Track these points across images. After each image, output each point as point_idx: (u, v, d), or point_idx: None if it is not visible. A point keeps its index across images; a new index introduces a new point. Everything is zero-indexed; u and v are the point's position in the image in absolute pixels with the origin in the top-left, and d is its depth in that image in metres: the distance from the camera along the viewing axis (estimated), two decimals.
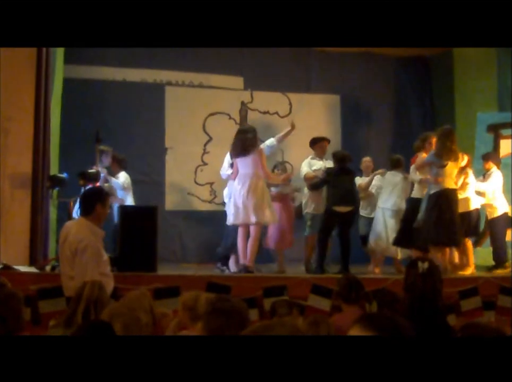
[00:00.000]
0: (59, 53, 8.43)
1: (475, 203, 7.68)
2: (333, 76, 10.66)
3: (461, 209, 7.28)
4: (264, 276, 6.83)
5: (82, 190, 6.66)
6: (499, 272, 7.48)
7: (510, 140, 9.08)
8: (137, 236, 6.39)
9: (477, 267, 7.73)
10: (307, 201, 7.93)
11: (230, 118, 10.26)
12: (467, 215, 7.53)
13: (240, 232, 7.04)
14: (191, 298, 3.94)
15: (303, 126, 10.42)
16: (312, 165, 8.04)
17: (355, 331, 2.01)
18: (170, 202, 9.78)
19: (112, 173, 7.99)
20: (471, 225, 7.60)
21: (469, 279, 6.84)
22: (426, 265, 3.57)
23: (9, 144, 6.85)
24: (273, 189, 7.88)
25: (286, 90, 10.55)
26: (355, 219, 7.87)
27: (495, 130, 9.30)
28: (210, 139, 10.05)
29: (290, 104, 10.57)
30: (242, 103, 10.37)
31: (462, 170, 7.52)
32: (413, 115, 11.08)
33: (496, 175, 7.87)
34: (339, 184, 7.50)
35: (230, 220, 7.12)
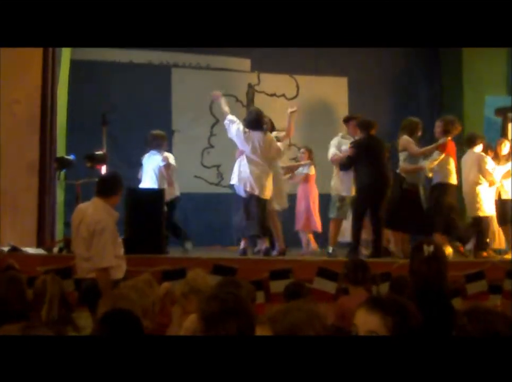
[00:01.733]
0: None
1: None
2: (340, 58, 10.57)
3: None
4: (270, 259, 6.86)
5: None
6: (506, 256, 7.49)
7: None
8: (145, 218, 6.43)
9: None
10: (336, 183, 7.63)
11: (237, 100, 10.23)
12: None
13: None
14: (196, 280, 3.95)
15: (310, 108, 10.46)
16: (342, 144, 7.64)
17: (361, 314, 2.03)
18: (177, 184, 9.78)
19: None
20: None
21: (476, 263, 6.85)
22: (431, 248, 3.57)
23: (16, 126, 6.87)
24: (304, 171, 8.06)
25: (293, 73, 10.50)
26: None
27: (504, 113, 9.24)
28: (217, 121, 10.03)
29: (297, 86, 10.54)
30: (249, 85, 10.34)
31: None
32: (421, 98, 11.01)
33: None
34: (370, 158, 7.12)
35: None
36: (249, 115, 7.39)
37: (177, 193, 7.85)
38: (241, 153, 7.22)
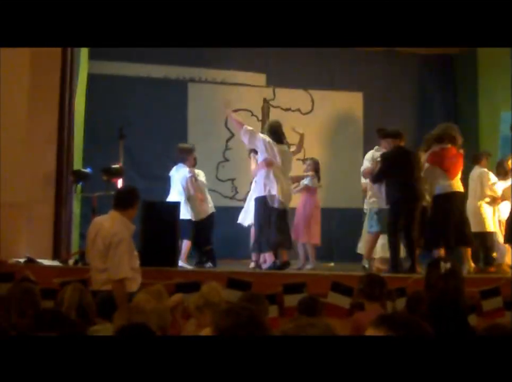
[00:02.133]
0: (83, 49, 8.51)
1: None
2: (356, 73, 10.62)
3: None
4: (285, 273, 6.86)
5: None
6: None
7: None
8: (160, 231, 6.46)
9: None
10: (371, 196, 7.47)
11: (252, 114, 10.28)
12: None
13: None
14: (211, 294, 3.95)
15: (325, 123, 10.48)
16: (375, 157, 7.52)
17: (369, 331, 2.03)
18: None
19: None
20: None
21: (491, 279, 6.79)
22: (448, 264, 3.56)
23: (34, 139, 6.94)
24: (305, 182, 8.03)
25: (308, 87, 10.53)
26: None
27: None
28: (232, 135, 10.08)
29: (313, 101, 10.56)
30: (265, 100, 10.38)
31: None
32: (436, 114, 10.97)
33: None
34: (399, 170, 7.01)
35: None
36: (275, 128, 7.46)
37: (210, 210, 7.90)
38: (265, 165, 7.23)
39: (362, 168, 7.69)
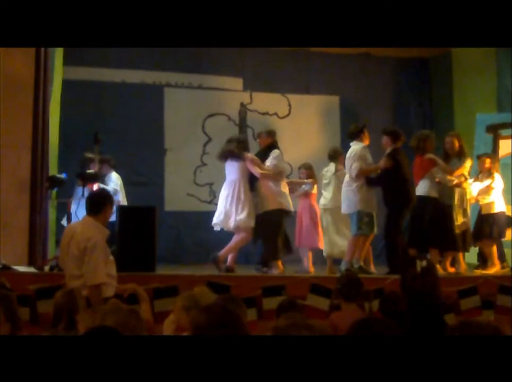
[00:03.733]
0: (58, 54, 8.44)
1: (499, 207, 7.78)
2: (332, 77, 10.66)
3: (484, 211, 7.69)
4: (263, 276, 6.85)
5: (80, 190, 6.72)
6: (498, 271, 7.50)
7: (509, 140, 9.08)
8: (136, 236, 6.40)
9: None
10: (361, 198, 7.21)
11: (229, 119, 10.27)
12: (491, 217, 7.69)
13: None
14: (202, 296, 3.91)
15: (302, 127, 10.49)
16: (366, 156, 7.38)
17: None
18: (170, 203, 9.77)
19: (104, 175, 8.03)
20: (497, 227, 7.68)
21: (468, 279, 6.84)
22: (424, 263, 3.56)
23: (8, 145, 6.85)
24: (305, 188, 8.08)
25: (285, 92, 10.55)
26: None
27: (495, 130, 9.30)
28: (210, 139, 10.05)
29: (290, 105, 10.58)
30: (242, 104, 10.38)
31: (489, 174, 7.76)
32: (412, 116, 11.07)
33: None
34: (402, 171, 7.10)
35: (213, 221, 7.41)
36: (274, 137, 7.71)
37: None
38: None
39: (354, 168, 7.19)
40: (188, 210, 9.83)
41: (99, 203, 5.04)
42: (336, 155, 8.04)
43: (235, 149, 7.37)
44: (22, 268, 6.36)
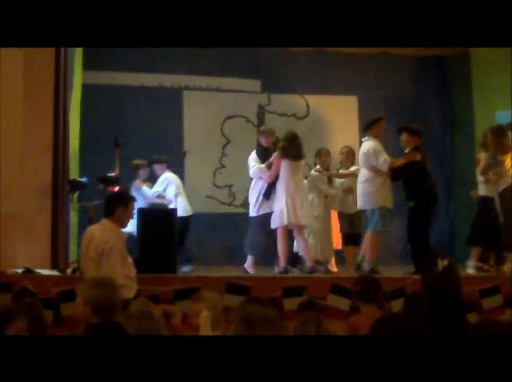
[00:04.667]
0: (77, 59, 8.53)
1: None
2: (350, 77, 10.63)
3: None
4: (284, 276, 6.84)
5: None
6: None
7: None
8: (157, 238, 6.45)
9: None
10: (378, 194, 7.15)
11: (248, 121, 10.29)
12: None
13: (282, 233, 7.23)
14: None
15: (321, 128, 10.48)
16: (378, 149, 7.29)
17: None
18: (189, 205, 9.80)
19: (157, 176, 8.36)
20: None
21: (490, 278, 6.78)
22: (445, 262, 3.54)
23: (29, 149, 6.93)
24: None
25: (303, 92, 10.54)
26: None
27: None
28: (228, 141, 10.09)
29: (308, 105, 10.57)
30: (260, 106, 10.39)
31: None
32: (431, 115, 11.00)
33: None
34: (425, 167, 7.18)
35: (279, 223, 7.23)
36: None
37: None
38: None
39: (380, 161, 7.13)
40: (208, 212, 9.86)
41: (111, 205, 5.09)
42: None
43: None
44: (44, 271, 6.43)
